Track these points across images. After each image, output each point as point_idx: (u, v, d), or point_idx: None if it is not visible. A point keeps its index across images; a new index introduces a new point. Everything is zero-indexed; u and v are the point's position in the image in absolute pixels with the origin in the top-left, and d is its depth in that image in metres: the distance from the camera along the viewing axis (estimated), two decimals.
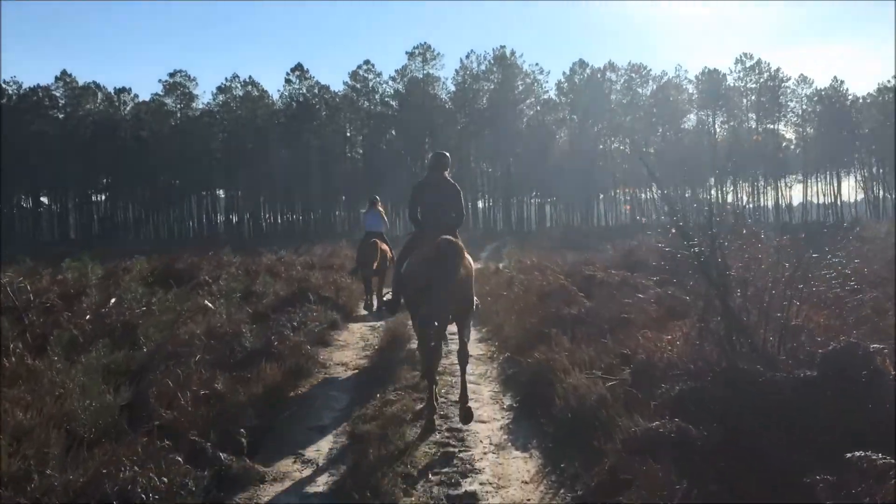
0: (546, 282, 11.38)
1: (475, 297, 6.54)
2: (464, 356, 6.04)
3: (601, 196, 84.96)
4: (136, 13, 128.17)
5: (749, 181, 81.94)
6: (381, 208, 13.30)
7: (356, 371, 7.89)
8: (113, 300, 8.79)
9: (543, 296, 10.12)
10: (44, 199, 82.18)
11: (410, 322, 7.48)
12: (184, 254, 14.45)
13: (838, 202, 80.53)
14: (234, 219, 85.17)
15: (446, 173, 7.11)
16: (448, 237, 5.95)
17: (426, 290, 5.72)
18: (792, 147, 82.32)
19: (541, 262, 15.38)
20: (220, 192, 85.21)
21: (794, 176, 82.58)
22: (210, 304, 9.23)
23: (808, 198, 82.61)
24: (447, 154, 7.28)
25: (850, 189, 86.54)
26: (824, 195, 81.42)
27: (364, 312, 12.09)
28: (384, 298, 8.63)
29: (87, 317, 7.89)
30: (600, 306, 8.70)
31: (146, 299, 9.08)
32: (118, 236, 72.34)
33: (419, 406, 6.17)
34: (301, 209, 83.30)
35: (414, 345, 7.75)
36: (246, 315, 9.32)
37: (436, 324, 5.84)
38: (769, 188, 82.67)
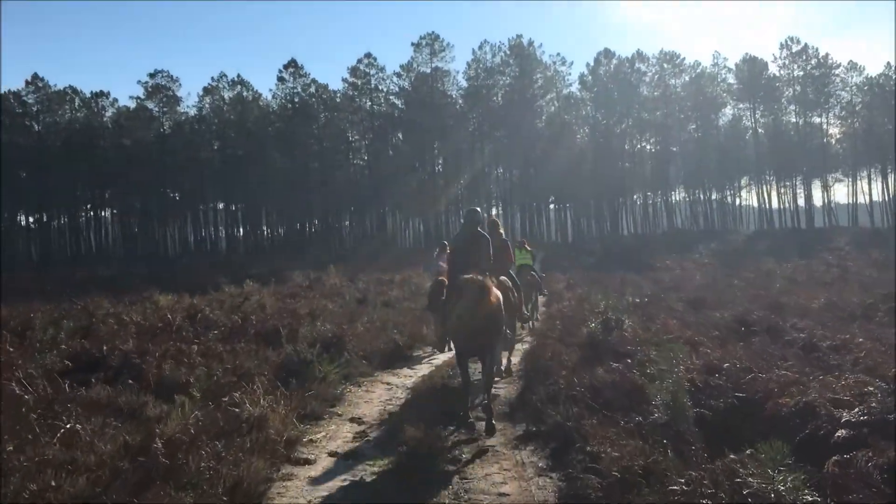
0: None
1: (507, 330, 8.38)
2: (488, 379, 7.04)
3: (622, 200, 76.14)
4: (109, 11, 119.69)
5: (789, 180, 73.57)
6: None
7: None
8: None
9: None
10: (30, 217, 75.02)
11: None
12: None
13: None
14: (239, 232, 77.73)
15: (479, 228, 8.07)
16: (467, 276, 6.86)
17: (458, 324, 6.89)
18: (834, 143, 74.15)
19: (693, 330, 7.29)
20: (220, 205, 78.10)
21: (833, 175, 74.26)
22: None
23: (856, 197, 73.99)
24: (478, 210, 8.67)
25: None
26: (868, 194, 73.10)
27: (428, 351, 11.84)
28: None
29: None
30: None
31: None
32: (93, 258, 65.02)
33: None
34: (302, 221, 75.92)
35: None
36: None
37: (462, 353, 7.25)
38: (812, 187, 74.12)
